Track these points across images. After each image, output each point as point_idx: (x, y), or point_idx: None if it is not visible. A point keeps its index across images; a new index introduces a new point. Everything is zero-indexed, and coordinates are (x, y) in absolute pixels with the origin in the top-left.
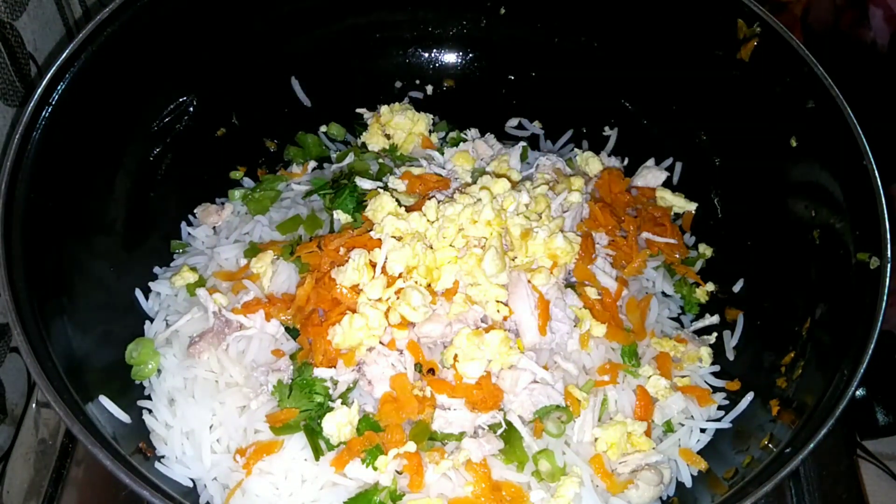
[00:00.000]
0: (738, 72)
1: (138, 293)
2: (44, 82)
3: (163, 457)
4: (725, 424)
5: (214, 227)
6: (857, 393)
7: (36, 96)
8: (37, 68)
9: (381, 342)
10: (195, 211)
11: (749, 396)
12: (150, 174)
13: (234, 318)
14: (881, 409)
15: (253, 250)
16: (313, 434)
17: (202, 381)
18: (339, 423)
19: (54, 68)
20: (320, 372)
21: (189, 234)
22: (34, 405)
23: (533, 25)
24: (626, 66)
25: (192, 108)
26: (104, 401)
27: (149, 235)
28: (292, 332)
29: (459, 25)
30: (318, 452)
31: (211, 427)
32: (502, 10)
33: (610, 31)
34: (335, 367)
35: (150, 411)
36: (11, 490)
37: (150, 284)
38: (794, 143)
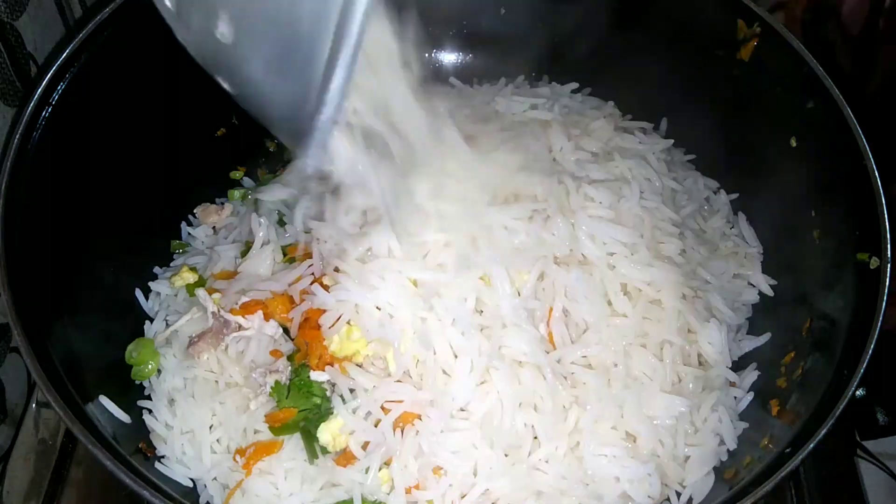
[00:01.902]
0: (738, 72)
1: (138, 293)
2: (44, 82)
3: (163, 457)
4: None
5: (214, 227)
6: (857, 393)
7: (36, 96)
8: (37, 68)
9: None
10: (195, 211)
11: (749, 396)
12: (150, 174)
13: (233, 318)
14: (881, 409)
15: None
16: (310, 437)
17: (202, 382)
18: (333, 433)
19: (54, 68)
20: (316, 375)
21: (189, 234)
22: (34, 405)
23: (533, 25)
24: (626, 66)
25: (191, 108)
26: (104, 401)
27: (149, 235)
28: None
29: (459, 25)
30: (312, 455)
31: (211, 427)
32: (502, 11)
33: (609, 31)
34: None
35: (150, 411)
36: (11, 490)
37: (150, 284)
38: (794, 143)
